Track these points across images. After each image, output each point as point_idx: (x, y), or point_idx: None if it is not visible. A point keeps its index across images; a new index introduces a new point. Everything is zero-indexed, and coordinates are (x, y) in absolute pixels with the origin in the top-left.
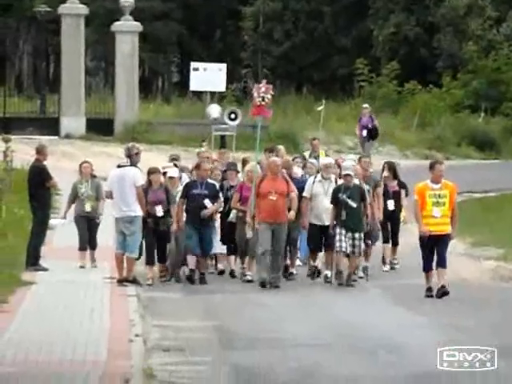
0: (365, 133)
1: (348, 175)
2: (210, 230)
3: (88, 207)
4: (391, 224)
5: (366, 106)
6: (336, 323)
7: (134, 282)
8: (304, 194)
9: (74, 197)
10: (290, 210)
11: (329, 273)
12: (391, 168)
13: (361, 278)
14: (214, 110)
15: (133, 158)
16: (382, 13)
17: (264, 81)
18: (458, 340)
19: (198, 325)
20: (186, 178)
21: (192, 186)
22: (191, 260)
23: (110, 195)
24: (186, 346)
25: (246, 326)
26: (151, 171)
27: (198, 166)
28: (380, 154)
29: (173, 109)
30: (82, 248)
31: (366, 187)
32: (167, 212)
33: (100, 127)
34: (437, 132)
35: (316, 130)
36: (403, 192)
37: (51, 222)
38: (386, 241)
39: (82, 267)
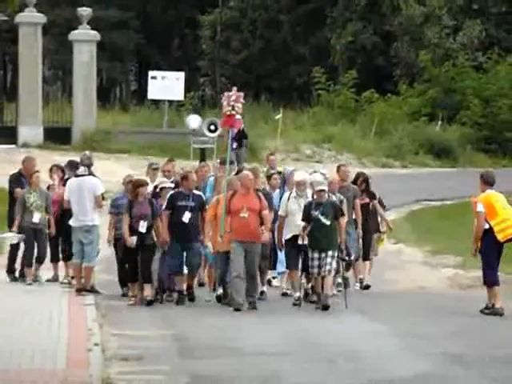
0: (235, 145)
1: (321, 191)
2: (197, 245)
3: (36, 218)
4: (362, 239)
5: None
6: (295, 332)
7: (93, 291)
8: (279, 212)
9: (23, 207)
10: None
11: (297, 294)
12: (366, 181)
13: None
14: (194, 121)
15: (91, 167)
16: (339, 22)
17: (234, 88)
18: (417, 347)
19: (157, 334)
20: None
21: (178, 197)
22: (179, 281)
23: (67, 205)
24: (145, 355)
25: (204, 335)
26: (139, 184)
27: (185, 177)
28: (338, 162)
29: (131, 117)
30: (28, 264)
31: (343, 198)
32: (151, 227)
33: (58, 136)
34: (394, 140)
35: (274, 138)
36: (375, 203)
37: (3, 235)
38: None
39: (29, 284)
